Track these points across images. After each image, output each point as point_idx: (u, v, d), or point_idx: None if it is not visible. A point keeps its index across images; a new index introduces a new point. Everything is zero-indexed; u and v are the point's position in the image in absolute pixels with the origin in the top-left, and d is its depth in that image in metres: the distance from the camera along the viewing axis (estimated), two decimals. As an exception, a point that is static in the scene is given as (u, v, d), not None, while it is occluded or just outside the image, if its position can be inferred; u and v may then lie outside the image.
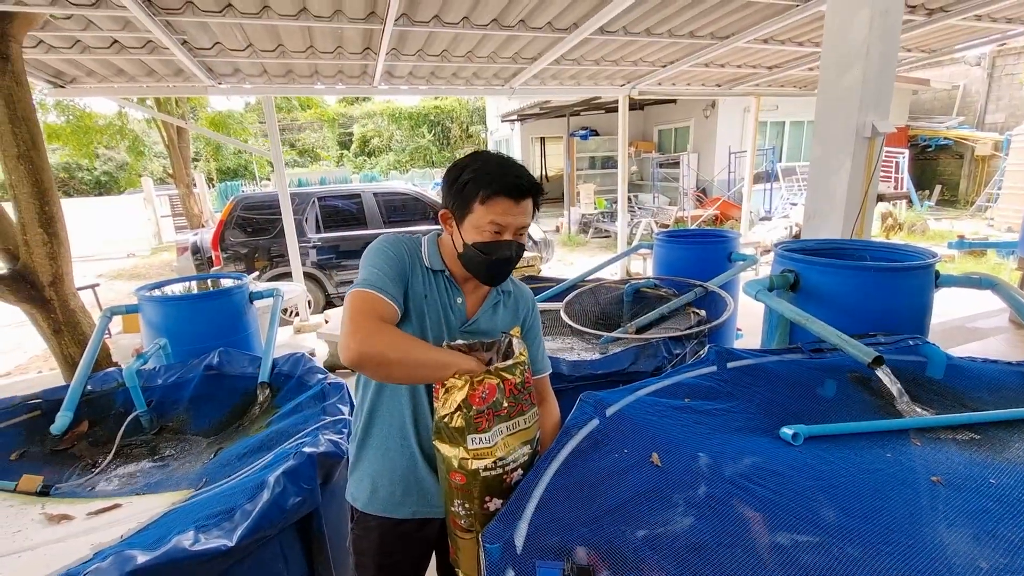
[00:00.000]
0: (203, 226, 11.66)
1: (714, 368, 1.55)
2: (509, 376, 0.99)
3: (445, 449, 0.99)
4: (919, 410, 1.36)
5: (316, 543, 1.54)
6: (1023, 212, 7.68)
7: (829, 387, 1.48)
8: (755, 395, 1.43)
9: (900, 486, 1.06)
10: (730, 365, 1.55)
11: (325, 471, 1.56)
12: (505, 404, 0.98)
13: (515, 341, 1.06)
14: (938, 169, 13.74)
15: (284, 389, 2.20)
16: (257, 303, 3.08)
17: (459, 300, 1.14)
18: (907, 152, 12.08)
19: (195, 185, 13.10)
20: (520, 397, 1.02)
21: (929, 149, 13.47)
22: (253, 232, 6.12)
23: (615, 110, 9.38)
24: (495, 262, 1.09)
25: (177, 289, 3.57)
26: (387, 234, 1.14)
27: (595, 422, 1.21)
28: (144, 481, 1.91)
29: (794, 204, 11.07)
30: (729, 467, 1.10)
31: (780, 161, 12.19)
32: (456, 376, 0.97)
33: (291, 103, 23.53)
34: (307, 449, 1.52)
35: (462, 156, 1.11)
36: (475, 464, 0.97)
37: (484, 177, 1.04)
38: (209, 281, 3.61)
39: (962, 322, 4.60)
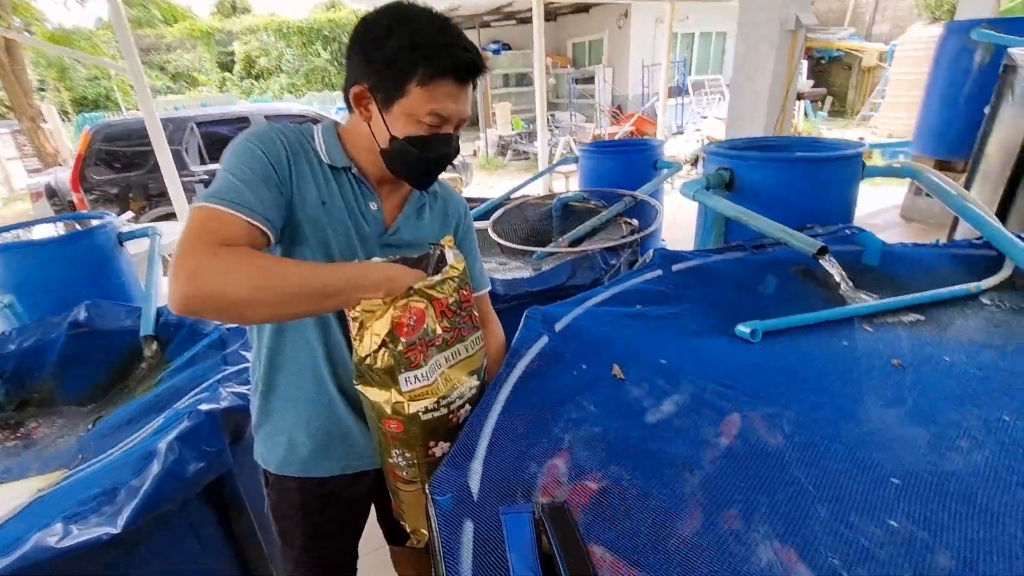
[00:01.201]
0: (60, 165, 9.92)
1: (660, 272, 1.44)
2: (439, 295, 0.79)
3: (373, 394, 0.79)
4: (864, 296, 1.34)
5: (234, 510, 1.33)
6: (904, 119, 8.31)
7: (776, 282, 1.44)
8: (706, 296, 1.34)
9: (865, 372, 1.02)
10: (675, 268, 1.45)
11: (233, 428, 1.32)
12: (439, 331, 0.79)
13: (448, 252, 0.85)
14: (830, 80, 14.48)
15: (174, 341, 1.87)
16: (131, 247, 2.60)
17: (373, 206, 0.89)
18: (805, 64, 12.55)
19: (44, 119, 10.97)
20: (458, 320, 0.83)
21: (823, 61, 14.08)
22: (122, 167, 5.21)
23: (528, 21, 8.77)
24: (433, 161, 0.85)
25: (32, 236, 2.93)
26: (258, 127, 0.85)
27: (544, 339, 1.06)
28: (3, 466, 1.57)
29: (704, 117, 11.27)
30: (694, 372, 1.00)
31: (690, 74, 12.24)
32: (367, 303, 0.74)
33: (151, 14, 19.93)
34: (206, 406, 1.27)
35: (377, 10, 0.80)
36: (413, 407, 0.79)
37: (424, 49, 0.76)
38: (63, 224, 2.99)
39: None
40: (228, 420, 1.28)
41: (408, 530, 0.95)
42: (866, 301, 1.31)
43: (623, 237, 2.34)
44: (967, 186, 2.78)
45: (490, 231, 2.70)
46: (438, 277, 0.79)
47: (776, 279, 1.45)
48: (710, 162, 2.12)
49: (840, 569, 0.60)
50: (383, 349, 0.74)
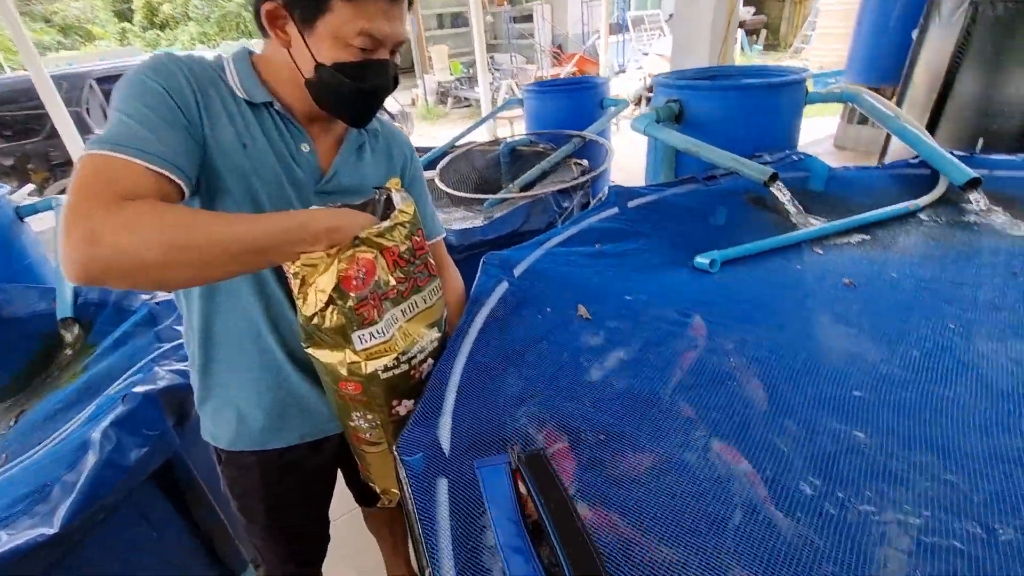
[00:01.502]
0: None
1: (616, 209, 1.41)
2: (390, 243, 0.72)
3: (325, 356, 0.73)
4: (813, 221, 1.36)
5: (190, 494, 1.25)
6: (836, 51, 8.46)
7: (729, 211, 1.43)
8: (663, 230, 1.33)
9: (820, 293, 1.04)
10: (631, 204, 1.42)
11: (177, 408, 1.23)
12: (392, 282, 0.72)
13: (396, 195, 0.76)
14: (765, 12, 14.52)
15: (98, 321, 1.70)
16: (34, 223, 2.32)
17: (305, 148, 0.79)
18: (740, -3, 12.48)
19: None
20: (412, 269, 0.76)
21: (759, -7, 14.05)
22: (15, 135, 4.62)
23: (458, -48, 8.18)
24: (369, 93, 0.74)
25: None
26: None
27: (505, 285, 1.02)
28: (-86, 475, 1.41)
29: (645, 54, 11.11)
30: (659, 305, 0.99)
31: (629, 9, 11.94)
32: (307, 256, 0.65)
33: (25, -43, 17.27)
34: (142, 388, 1.16)
35: None
36: (370, 366, 0.73)
37: None
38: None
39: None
40: (169, 400, 1.19)
41: (378, 491, 0.92)
42: (815, 225, 1.33)
43: (574, 179, 2.29)
44: (897, 110, 2.87)
45: (438, 181, 2.58)
46: (387, 223, 0.71)
47: (729, 209, 1.45)
48: (659, 94, 2.07)
49: (816, 481, 0.61)
50: (331, 307, 0.67)
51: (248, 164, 0.72)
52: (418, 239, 0.76)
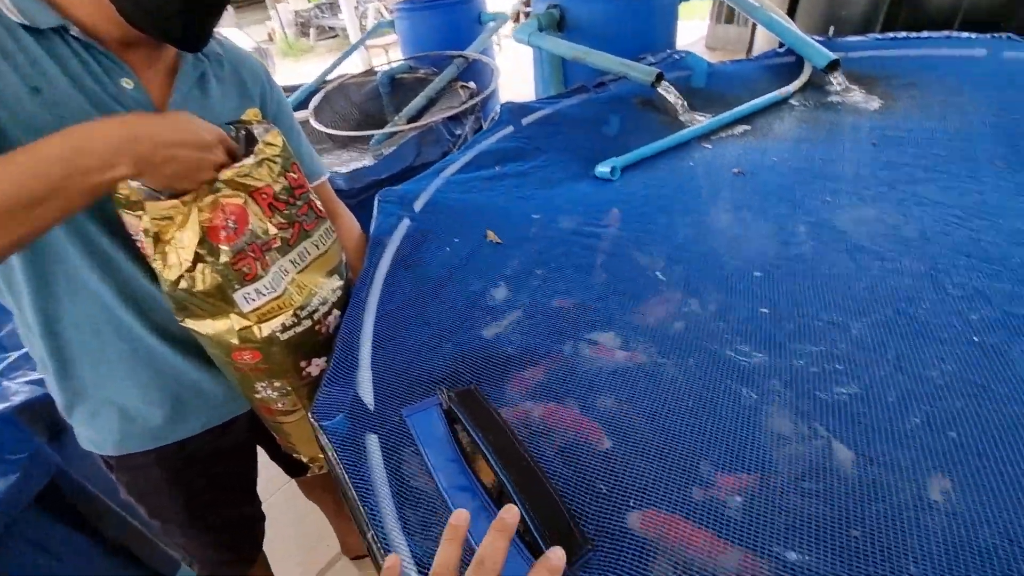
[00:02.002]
0: None
1: (511, 128, 1.35)
2: (259, 183, 0.61)
3: (207, 327, 0.63)
4: (699, 117, 1.39)
5: (86, 508, 1.11)
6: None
7: (622, 117, 1.42)
8: (561, 144, 1.29)
9: (714, 185, 1.07)
10: (526, 121, 1.37)
11: (46, 421, 1.05)
12: (272, 229, 0.62)
13: (257, 127, 0.64)
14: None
15: (-86, 340, 1.39)
16: None
17: (127, 83, 0.61)
18: None
19: None
20: (294, 212, 0.66)
21: None
22: None
23: None
24: (197, 3, 0.58)
25: None
26: None
27: (407, 222, 0.94)
28: None
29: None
30: (567, 219, 0.97)
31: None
32: (156, 206, 0.53)
33: None
34: (-10, 408, 0.98)
35: None
36: (266, 329, 0.64)
37: None
38: None
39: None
40: (32, 416, 1.01)
41: (306, 460, 0.86)
42: (701, 121, 1.36)
43: (463, 103, 2.16)
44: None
45: (313, 122, 2.33)
46: (251, 160, 0.60)
47: (622, 115, 1.44)
48: (538, 2, 1.97)
49: (731, 351, 0.64)
50: (200, 265, 0.57)
51: (47, 115, 0.55)
52: (295, 176, 0.66)
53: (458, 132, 2.04)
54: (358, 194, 1.73)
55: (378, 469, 0.53)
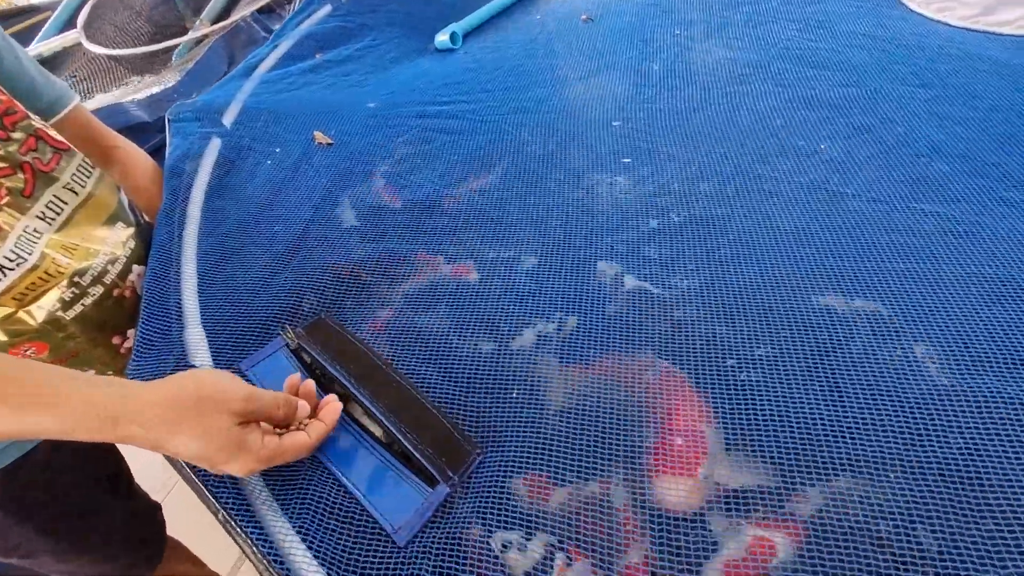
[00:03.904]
0: None
1: (329, 7, 1.13)
2: None
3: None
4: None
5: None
6: None
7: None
8: (390, 17, 1.11)
9: (564, 35, 0.98)
10: (345, -4, 1.15)
11: None
12: None
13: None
14: None
15: None
16: None
17: None
18: None
19: None
20: (13, 150, 0.48)
21: None
22: None
23: None
24: None
25: None
26: None
27: (216, 142, 0.76)
28: None
29: None
30: (408, 104, 0.84)
31: None
32: None
33: None
34: None
35: None
36: (40, 312, 0.50)
37: None
38: None
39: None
40: None
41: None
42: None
43: (273, -10, 1.80)
44: None
45: (87, 44, 1.85)
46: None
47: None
48: None
49: (607, 185, 0.60)
50: None
51: None
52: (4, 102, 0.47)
53: (275, 27, 1.72)
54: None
55: None
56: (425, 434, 0.41)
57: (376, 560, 0.37)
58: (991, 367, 0.41)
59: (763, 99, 0.74)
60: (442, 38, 1.01)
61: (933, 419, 0.38)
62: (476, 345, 0.49)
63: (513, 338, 0.50)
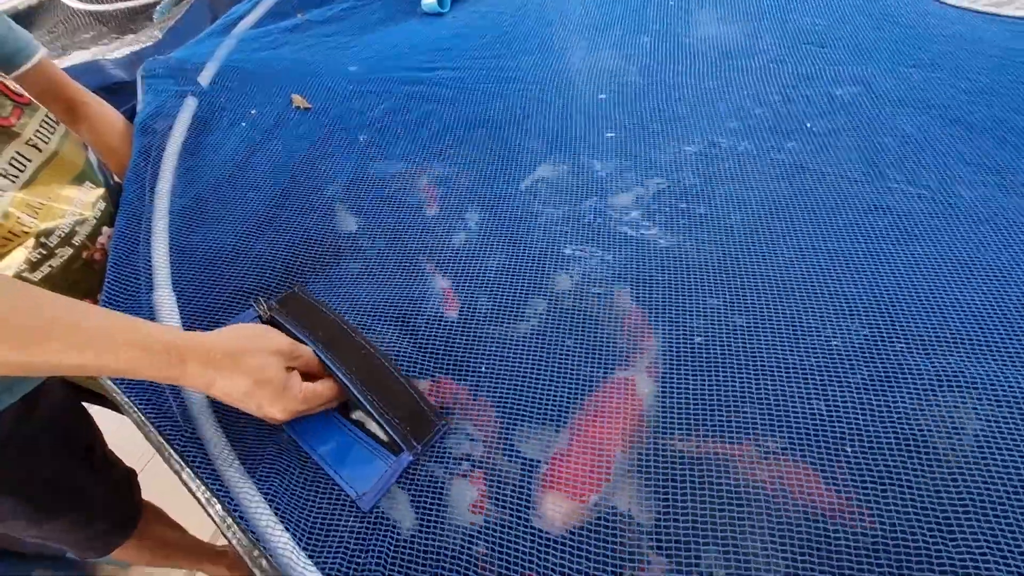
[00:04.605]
0: None
1: (314, -36, 1.09)
2: None
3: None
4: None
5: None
6: None
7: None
8: (378, -24, 1.07)
9: (557, 6, 0.95)
10: (330, -48, 1.10)
11: None
12: None
13: None
14: None
15: None
16: None
17: None
18: None
19: None
20: None
21: None
22: None
23: None
24: None
25: None
26: None
27: (190, 100, 0.74)
28: None
29: None
30: (392, 68, 0.82)
31: None
32: None
33: None
34: None
35: None
36: (4, 273, 0.49)
37: None
38: None
39: None
40: None
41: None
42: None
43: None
44: None
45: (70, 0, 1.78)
46: None
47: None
48: None
49: (591, 162, 0.60)
50: None
51: None
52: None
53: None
54: (150, 82, 1.38)
55: (204, 413, 0.44)
56: (393, 403, 0.42)
57: (340, 525, 0.37)
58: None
59: (751, 74, 0.72)
60: (429, 1, 0.97)
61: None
62: (445, 316, 0.49)
63: (485, 311, 0.50)
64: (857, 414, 0.38)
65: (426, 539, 0.36)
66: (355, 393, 0.42)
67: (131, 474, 0.88)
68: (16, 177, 0.50)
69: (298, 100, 0.73)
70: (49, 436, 0.71)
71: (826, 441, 0.37)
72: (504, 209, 0.59)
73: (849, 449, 0.37)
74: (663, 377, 0.42)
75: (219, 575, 1.11)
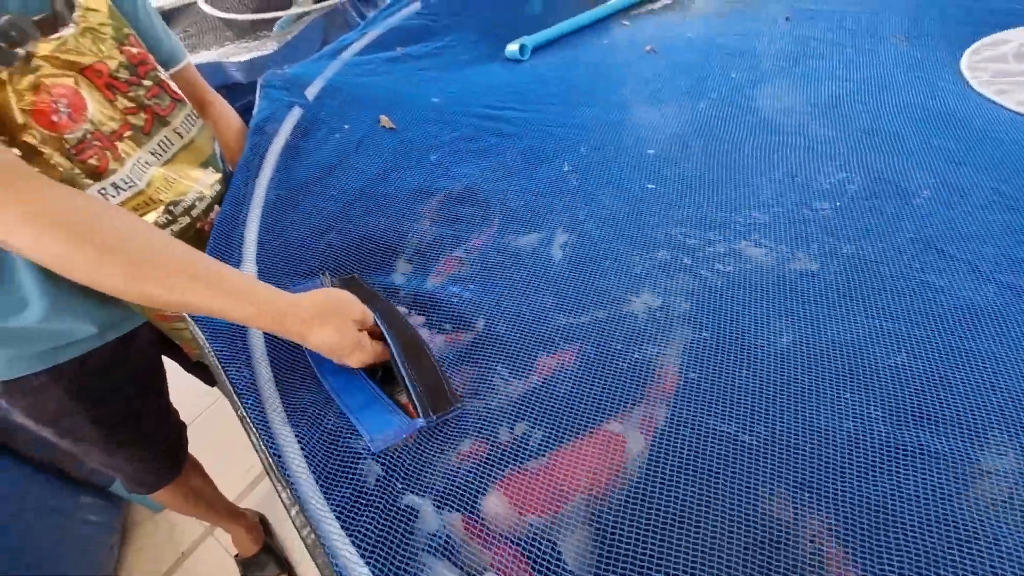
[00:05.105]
0: None
1: (419, 5, 1.23)
2: (88, 58, 0.53)
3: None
4: (620, -9, 1.31)
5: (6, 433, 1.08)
6: None
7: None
8: (473, 22, 1.20)
9: (624, 64, 1.04)
10: (434, -4, 1.25)
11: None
12: (117, 115, 0.56)
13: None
14: None
15: None
16: None
17: None
18: None
19: None
20: (141, 93, 0.59)
21: None
22: None
23: None
24: None
25: None
26: None
27: (297, 111, 0.87)
28: None
29: None
30: (467, 103, 0.93)
31: None
32: None
33: None
34: None
35: None
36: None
37: None
38: None
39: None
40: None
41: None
42: (620, -4, 1.28)
43: (374, -21, 1.94)
44: None
45: (203, 5, 2.05)
46: (70, 30, 0.52)
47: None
48: None
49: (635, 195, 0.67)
50: (37, 160, 0.51)
51: None
52: (134, 50, 0.58)
53: (370, 13, 1.85)
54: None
55: (261, 361, 0.53)
56: (422, 374, 0.49)
57: (347, 458, 0.45)
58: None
59: (794, 152, 0.78)
60: (512, 48, 1.09)
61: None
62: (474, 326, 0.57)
63: (518, 321, 0.57)
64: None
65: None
66: (397, 357, 0.50)
67: (184, 427, 0.99)
68: (161, 156, 0.62)
69: (385, 121, 0.85)
70: (136, 375, 0.83)
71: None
72: (547, 234, 0.67)
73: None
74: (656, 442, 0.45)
75: (236, 534, 1.20)
